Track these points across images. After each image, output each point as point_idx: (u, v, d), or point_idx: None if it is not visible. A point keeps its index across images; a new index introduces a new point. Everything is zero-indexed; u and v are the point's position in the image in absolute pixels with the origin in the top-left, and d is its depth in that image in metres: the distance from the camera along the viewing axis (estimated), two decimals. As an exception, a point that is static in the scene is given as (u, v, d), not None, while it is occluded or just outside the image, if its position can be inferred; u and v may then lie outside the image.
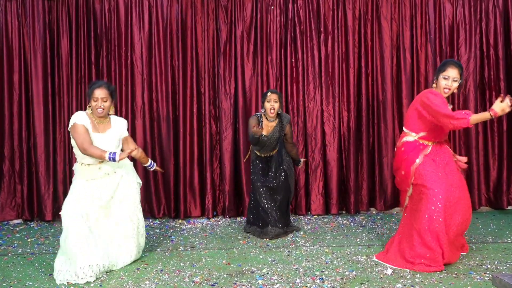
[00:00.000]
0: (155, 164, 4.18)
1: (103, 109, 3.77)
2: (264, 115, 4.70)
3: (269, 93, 4.64)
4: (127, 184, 3.94)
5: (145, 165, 4.11)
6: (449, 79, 3.60)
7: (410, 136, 3.76)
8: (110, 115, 3.94)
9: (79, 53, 5.64)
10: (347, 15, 5.71)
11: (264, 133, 4.62)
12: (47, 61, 5.62)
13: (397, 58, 5.76)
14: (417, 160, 3.66)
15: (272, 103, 4.60)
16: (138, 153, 3.85)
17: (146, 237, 4.76)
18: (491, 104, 5.76)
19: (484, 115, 3.40)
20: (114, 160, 3.62)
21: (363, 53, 5.72)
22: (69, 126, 3.76)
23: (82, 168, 3.80)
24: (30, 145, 5.64)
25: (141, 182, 4.16)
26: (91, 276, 3.50)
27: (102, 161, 3.77)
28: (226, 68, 5.71)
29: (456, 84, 3.64)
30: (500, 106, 3.30)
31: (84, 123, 3.73)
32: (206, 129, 5.68)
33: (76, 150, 3.80)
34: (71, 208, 3.64)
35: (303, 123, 5.69)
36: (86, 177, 3.79)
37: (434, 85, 3.71)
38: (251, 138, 4.56)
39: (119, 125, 3.95)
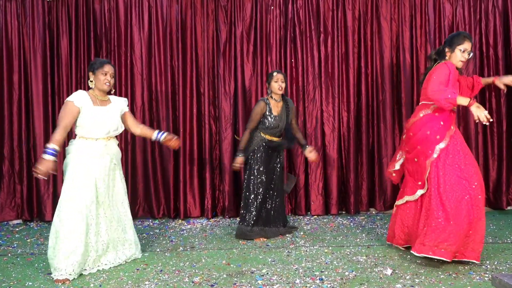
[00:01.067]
0: (164, 133, 3.99)
1: (109, 84, 3.76)
2: (271, 97, 4.69)
3: (275, 73, 4.62)
4: (118, 174, 3.89)
5: (153, 138, 4.00)
6: (466, 52, 3.72)
7: (428, 109, 3.76)
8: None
9: (79, 53, 5.64)
10: (346, 15, 5.72)
11: (274, 113, 4.64)
12: (47, 61, 5.62)
13: (396, 59, 5.77)
14: (442, 144, 3.65)
15: (279, 83, 4.60)
16: (139, 130, 3.97)
17: (145, 237, 4.79)
18: (490, 104, 5.78)
19: (465, 100, 3.49)
20: (45, 154, 3.47)
21: (362, 53, 5.73)
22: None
23: (86, 143, 3.67)
24: (29, 146, 5.64)
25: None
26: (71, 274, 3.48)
27: (110, 138, 3.75)
28: (226, 68, 5.71)
29: (468, 56, 3.76)
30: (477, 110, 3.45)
31: (81, 104, 3.61)
32: (205, 130, 5.68)
33: (80, 125, 3.67)
34: (71, 205, 3.53)
35: (302, 124, 5.69)
36: (87, 154, 3.65)
37: (447, 57, 3.76)
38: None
39: (118, 101, 3.90)
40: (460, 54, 3.71)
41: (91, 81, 3.74)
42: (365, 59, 5.74)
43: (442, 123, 3.69)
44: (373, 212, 5.80)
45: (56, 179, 5.61)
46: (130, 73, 5.66)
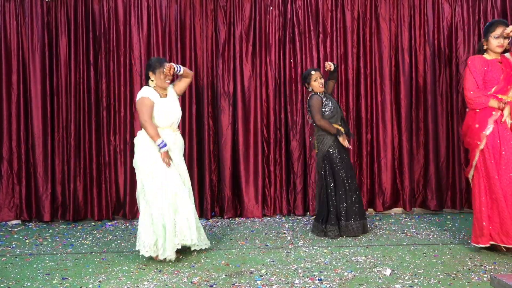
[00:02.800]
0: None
1: (169, 81, 4.05)
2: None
3: (313, 72, 4.65)
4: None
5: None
6: (500, 37, 3.84)
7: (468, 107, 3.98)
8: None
9: (78, 54, 5.63)
10: (345, 15, 5.72)
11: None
12: (46, 61, 5.62)
13: (395, 59, 5.77)
14: (487, 131, 3.78)
15: (319, 81, 4.64)
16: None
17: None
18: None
19: (498, 104, 3.79)
20: (162, 148, 3.86)
21: (361, 54, 5.73)
22: (137, 99, 3.95)
23: (163, 132, 3.95)
24: (28, 146, 5.64)
25: None
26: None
27: (176, 130, 4.09)
28: (225, 68, 5.71)
29: (507, 41, 3.87)
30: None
31: (151, 96, 3.93)
32: (205, 130, 5.68)
33: (154, 117, 3.96)
34: (161, 195, 3.86)
35: (301, 124, 5.69)
36: (168, 142, 3.94)
37: (485, 47, 3.92)
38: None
39: (170, 89, 4.12)
40: (495, 41, 3.84)
41: (152, 81, 3.98)
42: (364, 59, 5.74)
43: (478, 110, 3.84)
44: (373, 213, 5.79)
45: (54, 180, 5.61)
46: (129, 73, 5.65)
